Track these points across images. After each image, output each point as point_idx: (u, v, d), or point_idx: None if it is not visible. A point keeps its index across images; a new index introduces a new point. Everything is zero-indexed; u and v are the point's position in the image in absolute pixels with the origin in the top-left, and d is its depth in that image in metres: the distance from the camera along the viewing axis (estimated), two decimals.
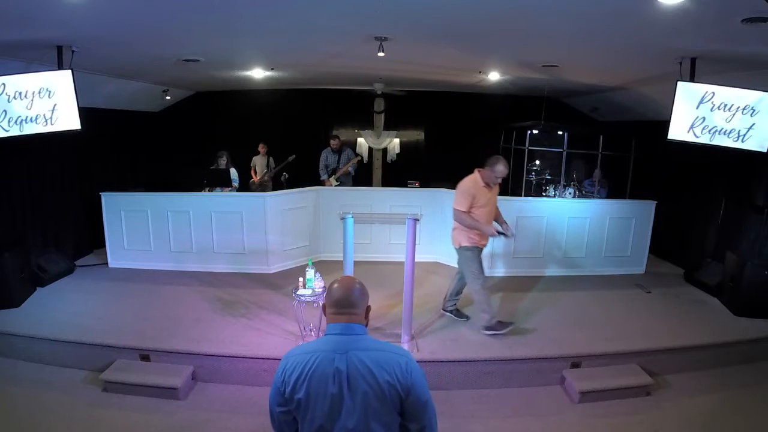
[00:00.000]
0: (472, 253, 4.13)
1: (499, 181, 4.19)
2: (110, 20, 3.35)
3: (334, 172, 7.19)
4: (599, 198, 6.87)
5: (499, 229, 4.22)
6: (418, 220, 3.93)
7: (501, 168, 4.09)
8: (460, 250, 4.19)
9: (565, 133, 7.24)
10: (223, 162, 6.43)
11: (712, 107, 4.19)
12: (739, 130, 4.18)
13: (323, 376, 1.53)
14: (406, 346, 3.92)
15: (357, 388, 1.52)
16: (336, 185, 7.10)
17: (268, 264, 5.80)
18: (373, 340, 1.63)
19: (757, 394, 3.79)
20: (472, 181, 4.18)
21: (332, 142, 7.34)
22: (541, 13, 3.10)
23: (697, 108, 4.22)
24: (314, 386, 1.54)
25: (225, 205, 5.77)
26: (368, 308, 1.69)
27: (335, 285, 1.68)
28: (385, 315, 4.57)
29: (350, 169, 7.26)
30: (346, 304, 1.62)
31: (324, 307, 1.69)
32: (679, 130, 4.34)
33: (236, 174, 6.61)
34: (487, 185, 4.17)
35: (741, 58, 3.94)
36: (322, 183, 7.22)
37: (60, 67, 4.13)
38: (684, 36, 3.44)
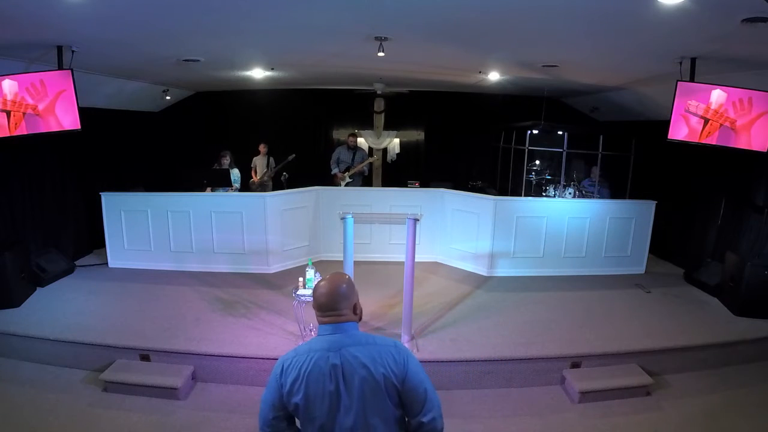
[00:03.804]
0: None
1: None
2: (110, 20, 3.36)
3: (348, 169, 7.22)
4: (599, 198, 6.86)
5: None
6: (418, 220, 3.92)
7: None
8: None
9: (565, 133, 7.24)
10: (225, 162, 6.43)
11: None
12: None
13: (320, 374, 1.56)
14: (406, 346, 3.92)
15: (353, 384, 1.55)
16: (348, 182, 7.14)
17: (268, 264, 5.80)
18: (363, 335, 1.65)
19: (757, 394, 3.79)
20: None
21: (350, 138, 7.42)
22: (541, 13, 3.10)
23: None
24: (312, 386, 1.56)
25: (225, 205, 5.77)
26: (355, 305, 1.69)
27: (319, 288, 1.68)
28: (385, 315, 4.57)
29: (365, 168, 7.33)
30: (328, 308, 1.64)
31: None
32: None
33: (238, 174, 6.61)
34: None
35: (741, 58, 3.94)
36: (332, 178, 7.25)
37: (60, 67, 4.14)
38: (684, 36, 3.44)
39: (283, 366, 1.61)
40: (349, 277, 1.74)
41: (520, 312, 4.73)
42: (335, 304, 1.64)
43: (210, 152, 6.72)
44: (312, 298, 1.70)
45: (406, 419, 1.63)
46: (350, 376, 1.55)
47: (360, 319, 1.71)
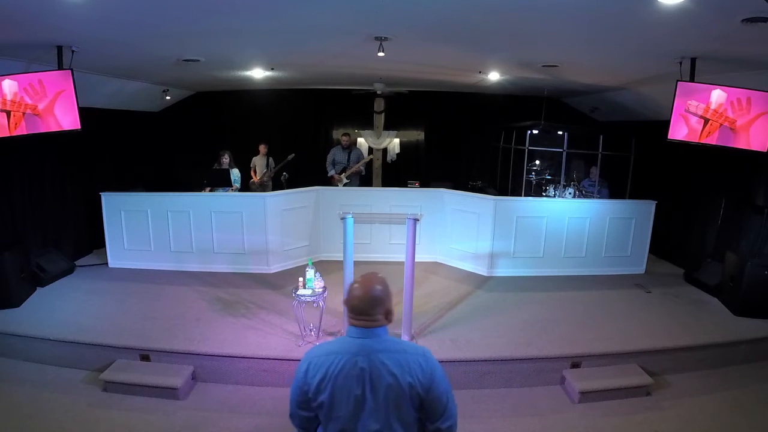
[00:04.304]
0: None
1: None
2: (110, 20, 3.35)
3: (344, 170, 7.19)
4: (599, 198, 6.87)
5: None
6: (418, 220, 3.92)
7: None
8: None
9: (565, 133, 7.24)
10: (225, 161, 6.43)
11: None
12: None
13: (348, 377, 1.57)
14: None
15: (379, 390, 1.56)
16: (345, 183, 7.11)
17: (268, 264, 5.80)
18: (393, 342, 1.64)
19: (757, 394, 3.79)
20: None
21: (344, 138, 7.36)
22: (541, 13, 3.10)
23: None
24: (338, 388, 1.57)
25: (225, 205, 5.77)
26: (388, 310, 1.66)
27: (354, 290, 1.65)
28: None
29: (362, 168, 7.29)
30: (361, 312, 1.63)
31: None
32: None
33: (238, 174, 6.60)
34: None
35: (741, 58, 3.94)
36: (329, 179, 7.22)
37: (60, 67, 4.14)
38: (684, 36, 3.44)
39: (308, 365, 1.62)
40: (384, 279, 1.70)
41: (520, 312, 4.73)
42: (369, 310, 1.62)
43: (210, 152, 6.72)
44: (345, 296, 1.68)
45: (425, 423, 1.65)
46: (377, 382, 1.56)
47: (390, 322, 1.69)
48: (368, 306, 1.62)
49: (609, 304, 4.99)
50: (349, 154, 7.28)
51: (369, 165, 8.98)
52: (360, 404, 1.56)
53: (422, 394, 1.57)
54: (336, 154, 7.33)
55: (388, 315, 1.67)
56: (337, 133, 9.34)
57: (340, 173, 7.19)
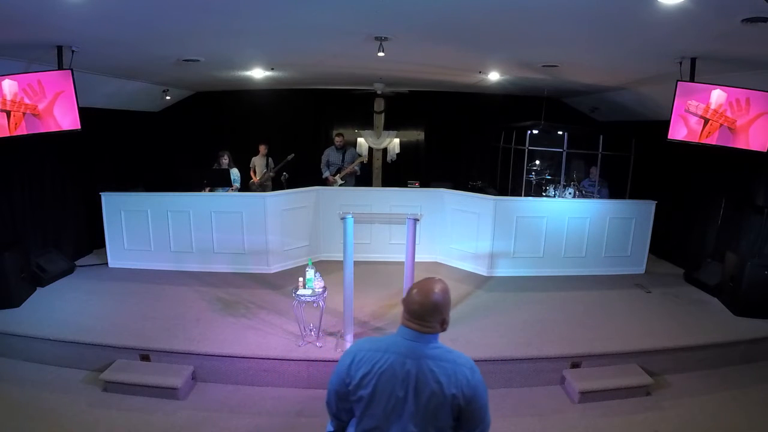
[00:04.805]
0: None
1: None
2: (110, 20, 3.36)
3: (339, 170, 7.17)
4: (599, 198, 6.87)
5: None
6: (418, 220, 3.93)
7: None
8: None
9: (565, 133, 7.24)
10: (224, 161, 6.43)
11: None
12: None
13: (393, 378, 1.58)
14: None
15: (422, 396, 1.57)
16: (341, 184, 7.09)
17: (268, 264, 5.80)
18: (444, 350, 1.66)
19: (757, 394, 3.79)
20: None
21: (337, 138, 7.31)
22: (541, 13, 3.10)
23: None
24: (381, 386, 1.58)
25: (225, 205, 5.77)
26: (444, 319, 1.67)
27: (413, 295, 1.65)
28: (385, 315, 4.57)
29: (356, 168, 7.26)
30: (417, 317, 1.64)
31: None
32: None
33: (238, 174, 6.60)
34: None
35: (741, 58, 3.94)
36: (324, 180, 7.20)
37: (60, 67, 4.14)
38: (684, 36, 3.44)
39: (354, 358, 1.63)
40: (446, 286, 1.69)
41: (520, 312, 4.74)
42: (426, 316, 1.63)
43: (210, 152, 6.72)
44: (404, 297, 1.69)
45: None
46: (421, 387, 1.57)
47: (444, 331, 1.69)
48: (427, 313, 1.63)
49: (609, 304, 4.99)
50: (343, 155, 7.22)
51: (368, 165, 8.98)
52: (400, 406, 1.57)
53: (462, 405, 1.59)
54: (330, 155, 7.25)
55: (443, 324, 1.67)
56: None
57: (335, 174, 7.14)
